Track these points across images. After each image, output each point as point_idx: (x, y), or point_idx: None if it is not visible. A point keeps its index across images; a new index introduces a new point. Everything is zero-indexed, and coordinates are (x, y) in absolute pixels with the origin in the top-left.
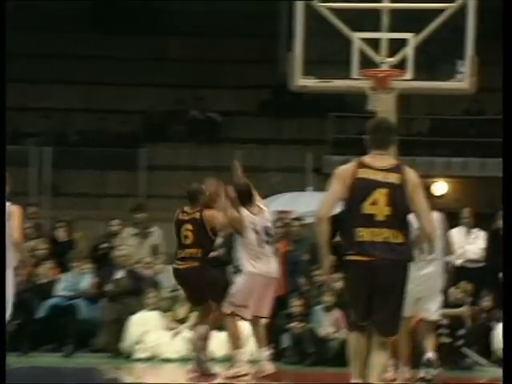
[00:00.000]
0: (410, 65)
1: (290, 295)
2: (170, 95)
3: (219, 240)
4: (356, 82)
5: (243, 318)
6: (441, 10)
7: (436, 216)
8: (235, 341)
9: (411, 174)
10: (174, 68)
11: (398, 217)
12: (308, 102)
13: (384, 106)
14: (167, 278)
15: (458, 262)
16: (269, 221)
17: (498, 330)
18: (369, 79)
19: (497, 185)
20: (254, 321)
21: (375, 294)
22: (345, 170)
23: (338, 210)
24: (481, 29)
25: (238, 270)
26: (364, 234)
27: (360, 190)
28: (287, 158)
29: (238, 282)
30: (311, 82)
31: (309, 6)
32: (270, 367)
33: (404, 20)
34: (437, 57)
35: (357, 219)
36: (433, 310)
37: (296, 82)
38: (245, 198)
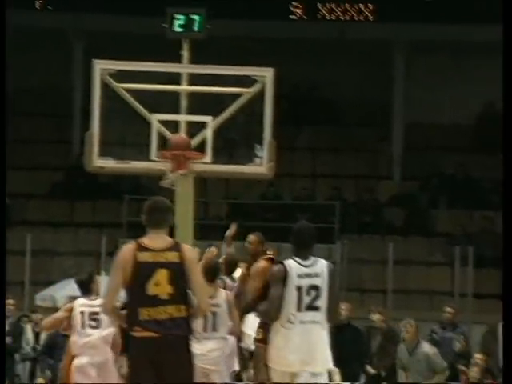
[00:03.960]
0: (208, 148)
1: None
2: None
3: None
4: (154, 163)
5: None
6: (239, 95)
7: (224, 296)
8: None
9: (189, 252)
10: None
11: (181, 293)
12: (102, 184)
13: (181, 189)
14: None
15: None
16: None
17: None
18: (167, 161)
19: None
20: None
21: (162, 371)
22: (124, 257)
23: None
24: (278, 114)
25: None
26: (149, 313)
27: (142, 274)
28: (81, 242)
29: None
30: (108, 164)
31: (106, 85)
32: None
33: (203, 103)
34: (235, 141)
35: (141, 300)
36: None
37: (92, 163)
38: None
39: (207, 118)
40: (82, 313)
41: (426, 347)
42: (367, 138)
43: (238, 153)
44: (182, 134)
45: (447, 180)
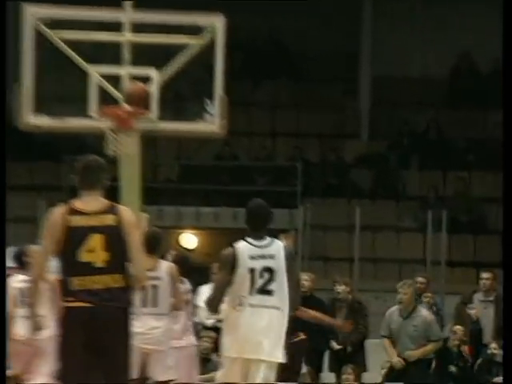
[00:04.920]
0: (154, 103)
1: None
2: None
3: None
4: (95, 121)
5: None
6: (187, 45)
7: (165, 268)
8: None
9: (127, 215)
10: None
11: (118, 260)
12: (40, 144)
13: (127, 149)
14: None
15: (210, 321)
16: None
17: None
18: (109, 118)
19: None
20: None
21: (95, 345)
22: (54, 221)
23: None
24: (232, 67)
25: None
26: (82, 282)
27: (73, 239)
28: (16, 207)
29: None
30: (44, 121)
31: (39, 33)
32: None
33: (148, 55)
34: (185, 96)
35: (73, 268)
36: (164, 367)
37: (26, 121)
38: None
39: (152, 71)
40: (20, 289)
41: (425, 312)
42: (332, 93)
43: (188, 109)
44: (139, 83)
45: (419, 138)
